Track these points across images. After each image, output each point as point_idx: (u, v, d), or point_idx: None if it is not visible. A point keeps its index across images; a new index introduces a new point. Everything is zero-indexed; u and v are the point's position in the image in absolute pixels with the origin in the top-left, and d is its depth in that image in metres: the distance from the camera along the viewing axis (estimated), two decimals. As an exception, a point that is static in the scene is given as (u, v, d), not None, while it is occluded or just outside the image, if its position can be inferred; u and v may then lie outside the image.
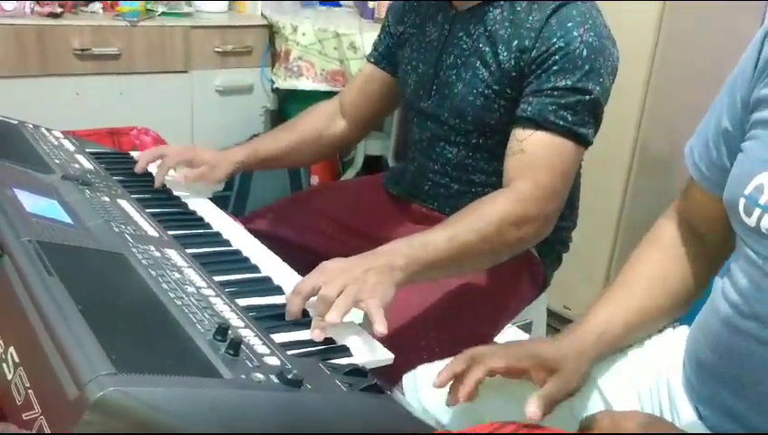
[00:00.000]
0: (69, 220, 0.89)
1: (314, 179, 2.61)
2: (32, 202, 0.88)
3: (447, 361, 0.91)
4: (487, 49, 1.14)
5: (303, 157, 1.44)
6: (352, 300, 0.83)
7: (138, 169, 1.25)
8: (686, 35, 1.94)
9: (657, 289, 0.89)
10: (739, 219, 0.74)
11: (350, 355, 0.80)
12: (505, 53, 1.11)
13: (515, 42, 1.10)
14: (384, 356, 0.82)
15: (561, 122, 1.05)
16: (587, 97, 1.06)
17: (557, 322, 2.16)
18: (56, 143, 1.25)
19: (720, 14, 1.99)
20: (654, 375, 0.88)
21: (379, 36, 1.38)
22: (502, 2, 1.14)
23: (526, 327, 1.51)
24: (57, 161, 1.14)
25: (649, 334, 0.91)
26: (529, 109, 1.07)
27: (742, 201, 0.73)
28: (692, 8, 1.92)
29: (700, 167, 0.85)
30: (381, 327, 0.81)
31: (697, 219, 0.90)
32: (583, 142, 1.08)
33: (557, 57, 1.06)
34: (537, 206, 1.04)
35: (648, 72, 1.92)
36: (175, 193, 1.22)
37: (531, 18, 1.10)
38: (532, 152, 1.06)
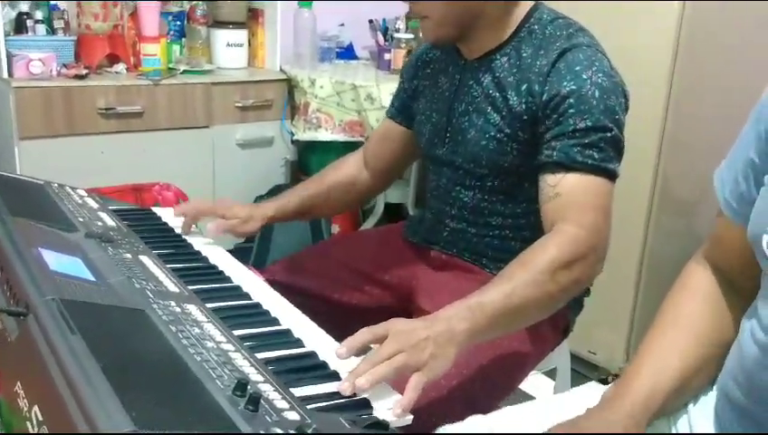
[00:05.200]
0: (92, 278, 0.90)
1: (335, 228, 2.63)
2: (56, 261, 0.90)
3: (470, 420, 0.90)
4: (497, 95, 1.16)
5: (331, 209, 1.50)
6: (398, 368, 0.83)
7: (183, 226, 1.30)
8: (703, 68, 1.93)
9: (698, 343, 0.84)
10: (764, 255, 0.73)
11: (371, 409, 0.79)
12: (515, 98, 1.14)
13: (524, 86, 1.13)
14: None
15: (590, 161, 1.06)
16: (608, 134, 1.07)
17: (582, 366, 2.12)
18: (80, 202, 1.28)
19: (739, 48, 1.98)
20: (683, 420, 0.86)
21: (395, 92, 1.42)
22: (508, 50, 1.17)
23: (551, 373, 1.49)
24: (81, 219, 1.16)
25: (696, 393, 0.86)
26: (555, 154, 1.08)
27: (765, 238, 0.72)
28: (709, 42, 1.91)
29: (731, 203, 0.83)
30: (400, 409, 0.80)
31: (727, 263, 0.87)
32: (612, 177, 1.09)
33: (571, 100, 1.07)
34: (585, 245, 1.03)
35: (665, 111, 1.92)
36: (196, 247, 1.23)
37: (538, 63, 1.12)
38: (568, 194, 1.06)
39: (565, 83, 1.08)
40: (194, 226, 1.32)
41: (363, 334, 0.87)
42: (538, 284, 0.98)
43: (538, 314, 1.04)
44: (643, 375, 0.81)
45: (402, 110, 1.39)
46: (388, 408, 0.80)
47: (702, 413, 0.85)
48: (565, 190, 1.06)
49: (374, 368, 0.82)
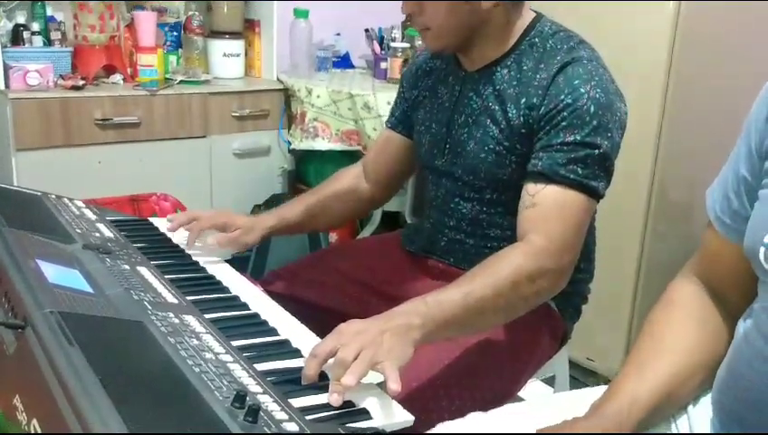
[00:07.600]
0: (90, 290, 0.90)
1: (332, 237, 2.62)
2: (54, 273, 0.90)
3: (470, 417, 0.90)
4: (497, 107, 1.17)
5: (331, 220, 1.47)
6: (368, 363, 0.83)
7: (170, 227, 1.30)
8: (698, 74, 1.93)
9: (683, 354, 0.84)
10: (761, 267, 0.73)
11: (370, 418, 0.79)
12: (514, 111, 1.14)
13: (524, 99, 1.13)
14: (404, 418, 0.81)
15: (572, 176, 1.06)
16: (596, 151, 1.07)
17: (581, 373, 2.12)
18: (78, 213, 1.28)
19: (733, 55, 1.98)
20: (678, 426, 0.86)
21: (395, 102, 1.42)
22: (509, 62, 1.17)
23: (550, 381, 1.49)
24: (78, 231, 1.16)
25: (682, 406, 0.86)
26: (539, 164, 1.08)
27: (762, 250, 0.72)
28: (704, 49, 1.91)
29: (723, 219, 0.83)
30: (395, 385, 0.81)
31: (718, 277, 0.87)
32: (594, 195, 1.09)
33: (565, 113, 1.08)
34: (551, 259, 1.04)
35: (661, 115, 1.91)
36: (194, 257, 1.23)
37: (538, 76, 1.12)
38: (544, 205, 1.07)
39: (563, 96, 1.08)
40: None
41: (323, 345, 0.85)
42: (497, 290, 0.99)
43: (495, 318, 1.05)
44: (629, 386, 0.81)
45: (403, 119, 1.39)
46: (387, 414, 0.80)
47: (702, 414, 0.85)
48: (542, 201, 1.07)
49: (350, 368, 0.81)
